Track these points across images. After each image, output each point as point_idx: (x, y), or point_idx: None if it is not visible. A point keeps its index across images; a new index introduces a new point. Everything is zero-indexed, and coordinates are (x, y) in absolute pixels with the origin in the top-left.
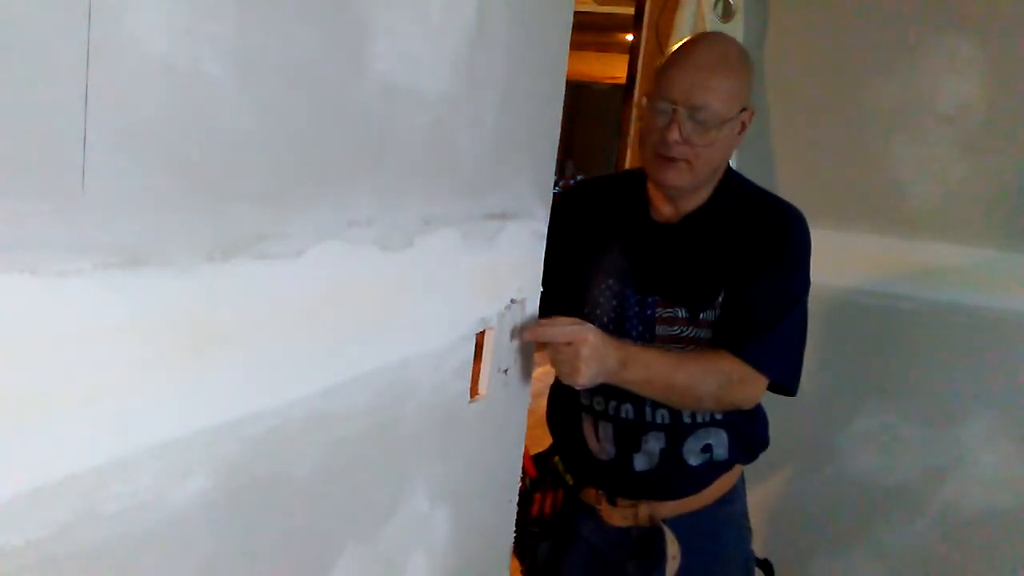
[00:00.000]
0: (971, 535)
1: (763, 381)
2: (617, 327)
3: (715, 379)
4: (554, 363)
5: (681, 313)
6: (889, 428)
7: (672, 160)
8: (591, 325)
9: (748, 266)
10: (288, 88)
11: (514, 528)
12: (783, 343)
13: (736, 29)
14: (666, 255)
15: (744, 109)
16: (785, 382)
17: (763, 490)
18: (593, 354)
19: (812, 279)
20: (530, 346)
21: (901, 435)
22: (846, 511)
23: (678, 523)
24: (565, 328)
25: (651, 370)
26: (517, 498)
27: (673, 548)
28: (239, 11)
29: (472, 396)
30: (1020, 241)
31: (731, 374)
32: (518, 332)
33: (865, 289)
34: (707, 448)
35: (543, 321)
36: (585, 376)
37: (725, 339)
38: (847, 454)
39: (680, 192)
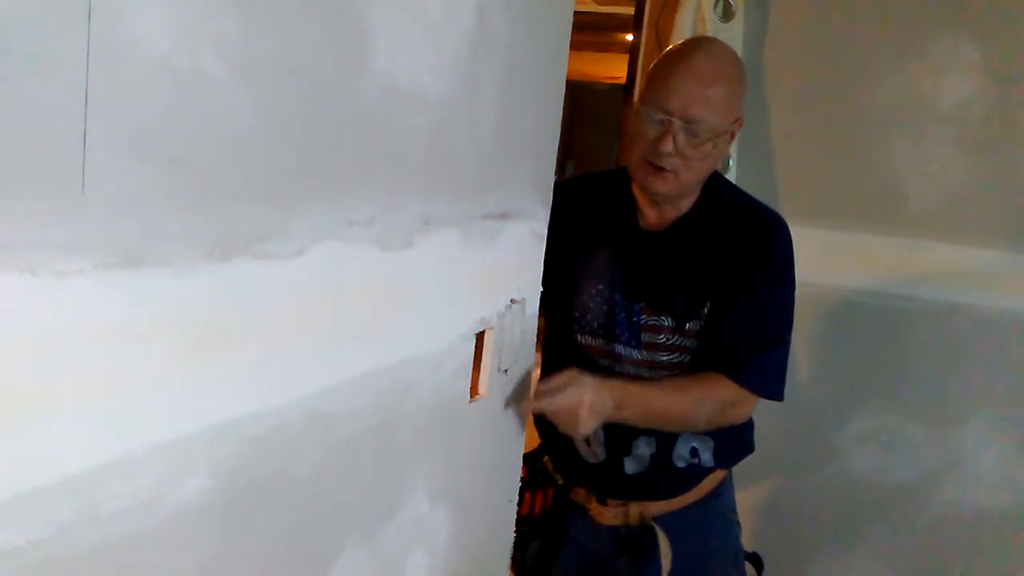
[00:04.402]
0: (971, 535)
1: (755, 400)
2: (606, 332)
3: (710, 406)
4: (554, 420)
5: (667, 322)
6: (889, 428)
7: (661, 170)
8: (585, 378)
9: (733, 280)
10: (288, 88)
11: (514, 528)
12: (776, 361)
13: (736, 29)
14: (652, 263)
15: (736, 119)
16: (776, 397)
17: (763, 490)
18: (591, 412)
19: (813, 279)
20: (530, 346)
21: (901, 435)
22: (846, 511)
23: (668, 520)
24: (563, 398)
25: (647, 406)
26: (517, 498)
27: (665, 546)
28: (239, 11)
29: (472, 396)
30: (1020, 241)
31: (725, 400)
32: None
33: (865, 289)
34: (694, 452)
35: (539, 390)
36: (585, 429)
37: (718, 361)
38: (847, 454)
39: (665, 199)
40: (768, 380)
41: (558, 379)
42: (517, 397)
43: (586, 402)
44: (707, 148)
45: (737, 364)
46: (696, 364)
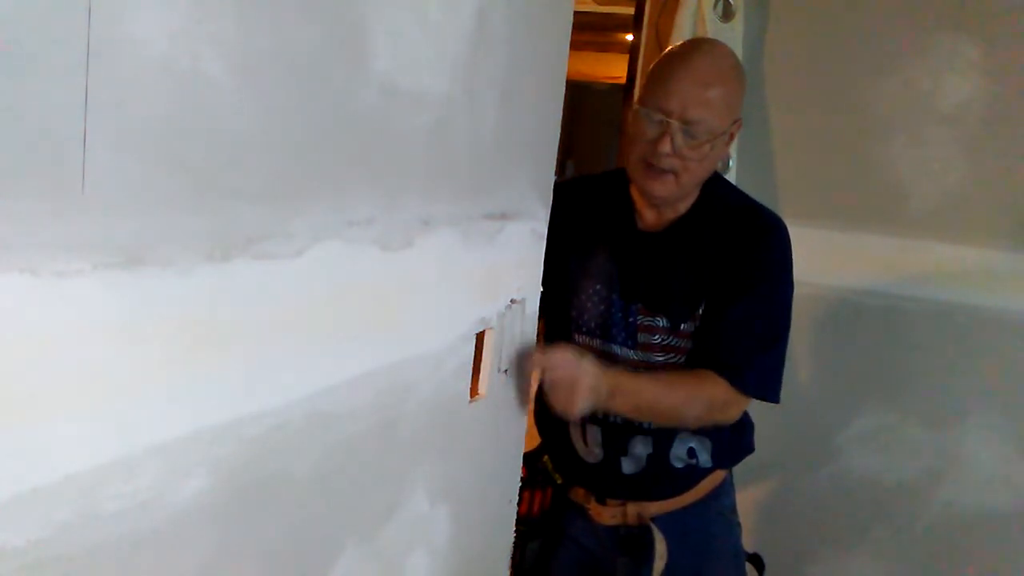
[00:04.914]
0: (971, 535)
1: (747, 401)
2: (603, 332)
3: (701, 404)
4: (551, 393)
5: (662, 322)
6: (889, 428)
7: (660, 171)
8: (589, 356)
9: (732, 281)
10: (288, 88)
11: (514, 528)
12: (772, 363)
13: (736, 29)
14: (649, 263)
15: (735, 120)
16: (772, 399)
17: (763, 490)
18: (588, 390)
19: (813, 279)
20: (530, 346)
21: (901, 435)
22: (846, 511)
23: (667, 520)
24: (567, 357)
25: (639, 398)
26: (517, 498)
27: (661, 546)
28: (239, 11)
29: (472, 396)
30: (1020, 241)
31: (716, 398)
32: (515, 363)
33: (865, 289)
34: (691, 453)
35: (539, 356)
36: (579, 408)
37: (713, 362)
38: (847, 454)
39: (664, 201)
40: (764, 382)
41: (560, 350)
42: (517, 397)
43: (589, 375)
44: (705, 149)
45: (733, 365)
46: (691, 364)
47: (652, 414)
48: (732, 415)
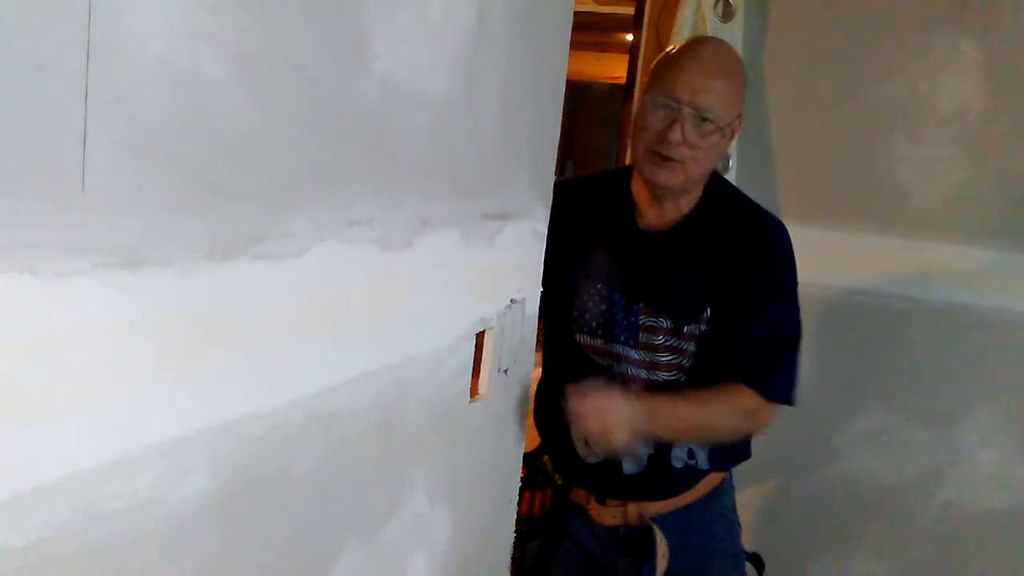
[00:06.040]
0: (971, 535)
1: (775, 408)
2: (605, 332)
3: (735, 416)
4: (588, 435)
5: (664, 323)
6: (889, 428)
7: (669, 160)
8: (616, 392)
9: (742, 289)
10: (288, 88)
11: (514, 528)
12: (793, 369)
13: (736, 29)
14: (651, 264)
15: (738, 116)
16: (792, 403)
17: (763, 490)
18: (623, 424)
19: (813, 279)
20: (530, 346)
21: (901, 435)
22: (846, 511)
23: (667, 520)
24: (597, 394)
25: (675, 416)
26: (517, 498)
27: (663, 546)
28: (239, 11)
29: (472, 396)
30: (1020, 241)
31: (747, 408)
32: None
33: (865, 289)
34: (691, 454)
35: (569, 391)
36: (619, 439)
37: (737, 373)
38: (847, 454)
39: (670, 192)
40: (788, 389)
41: (592, 388)
42: (517, 397)
43: (614, 408)
44: (714, 139)
45: (757, 376)
46: (711, 375)
47: (691, 433)
48: (763, 423)
